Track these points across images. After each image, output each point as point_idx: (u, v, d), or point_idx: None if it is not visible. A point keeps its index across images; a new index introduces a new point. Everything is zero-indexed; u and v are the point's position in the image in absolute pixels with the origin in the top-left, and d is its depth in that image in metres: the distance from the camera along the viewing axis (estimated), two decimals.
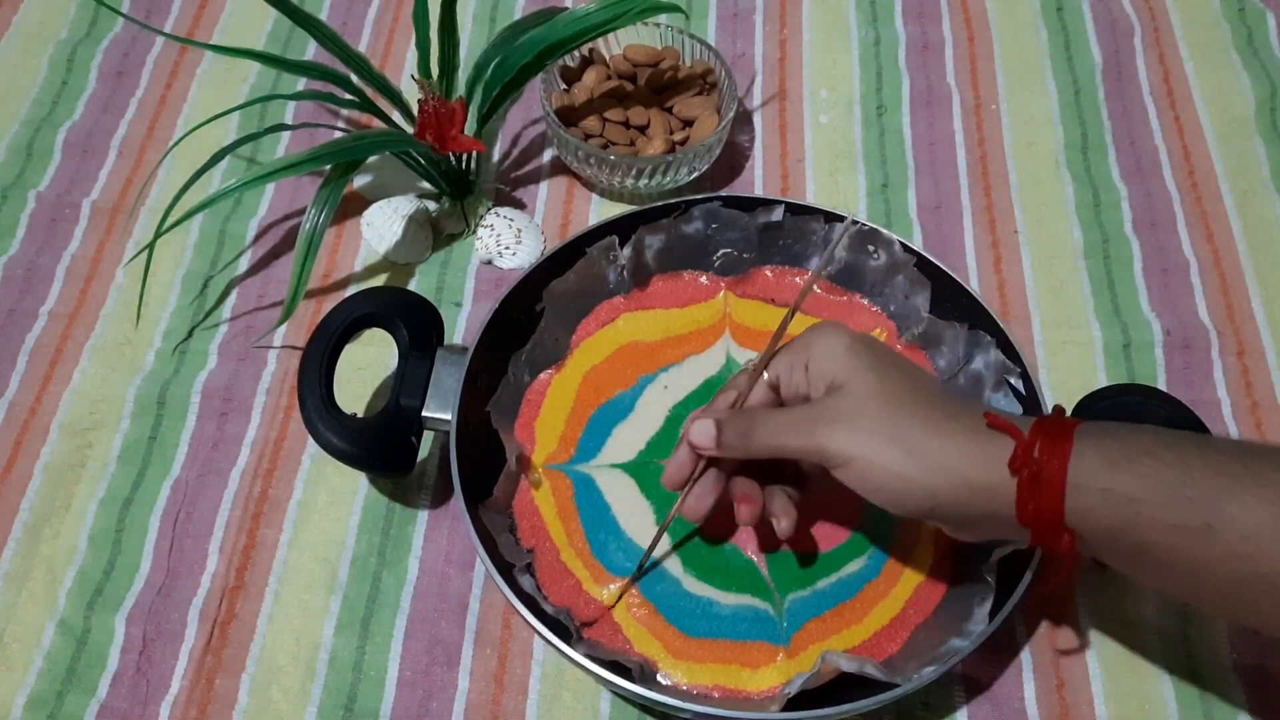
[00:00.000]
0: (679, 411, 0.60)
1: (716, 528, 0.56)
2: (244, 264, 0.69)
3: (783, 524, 0.50)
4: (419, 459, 0.58)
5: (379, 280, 0.68)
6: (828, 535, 0.56)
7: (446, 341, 0.60)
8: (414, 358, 0.57)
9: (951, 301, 0.60)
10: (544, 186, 0.73)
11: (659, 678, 0.52)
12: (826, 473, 0.46)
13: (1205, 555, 0.39)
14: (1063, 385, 0.63)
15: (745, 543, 0.55)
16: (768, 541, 0.55)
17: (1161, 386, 0.62)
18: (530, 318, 0.60)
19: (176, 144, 0.69)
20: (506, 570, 0.52)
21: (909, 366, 0.48)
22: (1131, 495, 0.40)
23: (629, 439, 0.59)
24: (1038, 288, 0.67)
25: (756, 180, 0.73)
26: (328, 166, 0.61)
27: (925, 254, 0.61)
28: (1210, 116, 0.74)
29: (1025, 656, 0.55)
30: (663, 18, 0.68)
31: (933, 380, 0.47)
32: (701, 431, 0.48)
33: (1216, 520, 0.39)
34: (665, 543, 0.56)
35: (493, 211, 0.69)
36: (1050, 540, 0.42)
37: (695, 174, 0.70)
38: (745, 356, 0.61)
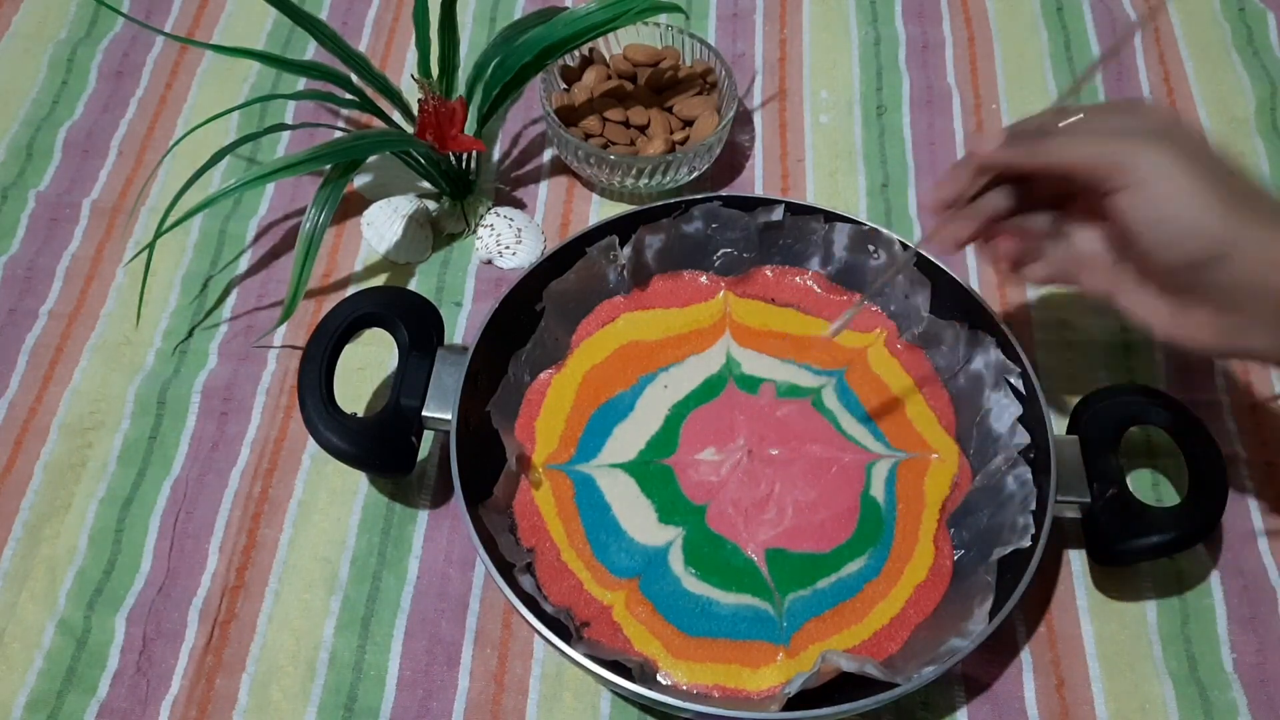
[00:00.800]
0: (679, 411, 0.60)
1: (719, 526, 0.56)
2: (244, 264, 0.69)
3: (1038, 270, 0.47)
4: (419, 459, 0.58)
5: (379, 280, 0.68)
6: (828, 535, 0.56)
7: (446, 341, 0.60)
8: (414, 358, 0.57)
9: (951, 301, 0.60)
10: (544, 186, 0.73)
11: (659, 677, 0.52)
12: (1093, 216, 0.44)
13: None
14: (1061, 386, 0.63)
15: (745, 542, 0.55)
16: (768, 540, 0.55)
17: (1161, 387, 0.62)
18: (530, 318, 0.60)
19: (176, 144, 0.69)
20: (506, 570, 0.52)
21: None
22: None
23: (629, 439, 0.59)
24: (1037, 287, 0.67)
25: (756, 180, 0.73)
26: (328, 166, 0.61)
27: (925, 254, 0.61)
28: (1210, 116, 0.74)
29: (1025, 656, 0.55)
30: (663, 18, 0.68)
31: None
32: (987, 137, 0.45)
33: None
34: (666, 540, 0.56)
35: (493, 211, 0.69)
36: None
37: (695, 174, 0.70)
38: (745, 356, 0.61)
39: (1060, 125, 0.45)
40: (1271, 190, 0.43)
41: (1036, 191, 0.47)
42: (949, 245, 0.48)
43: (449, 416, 0.56)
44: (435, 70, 0.66)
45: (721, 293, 0.64)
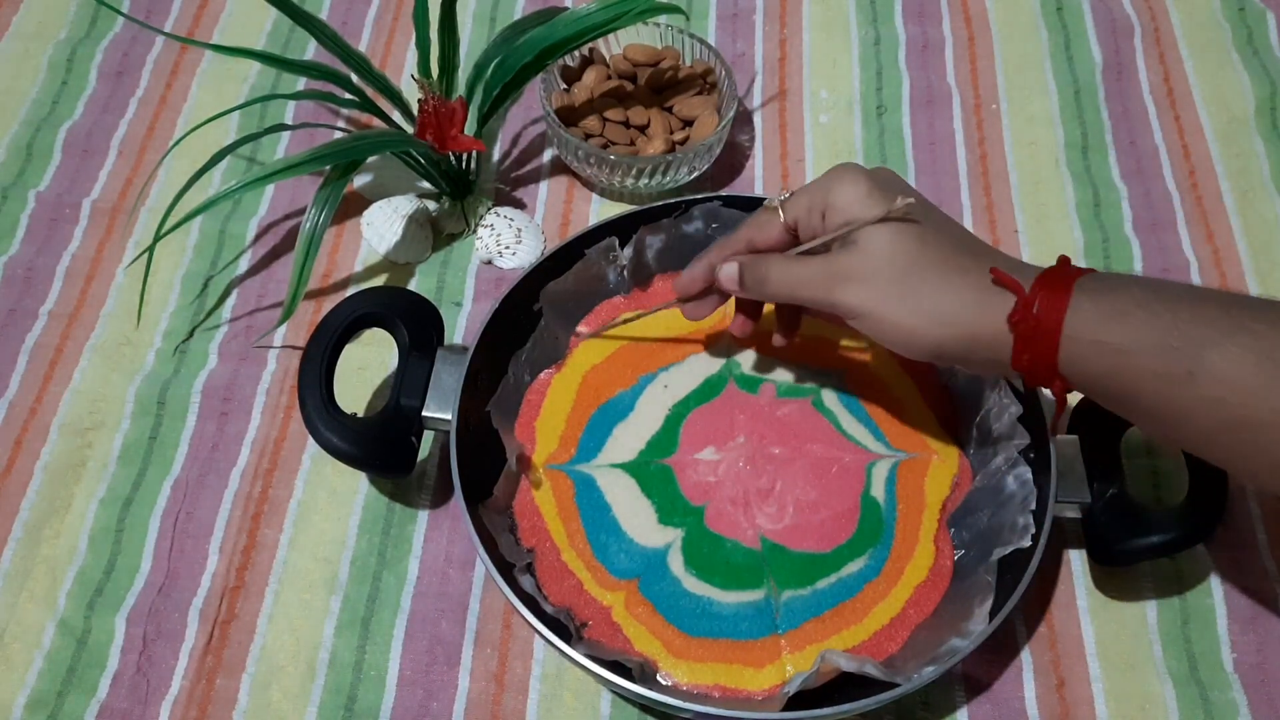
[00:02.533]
0: (679, 411, 0.59)
1: (717, 526, 0.56)
2: (244, 264, 0.69)
3: (776, 337, 0.56)
4: (419, 459, 0.58)
5: (379, 280, 0.68)
6: (828, 535, 0.56)
7: (446, 341, 0.60)
8: (414, 358, 0.57)
9: None
10: (544, 186, 0.73)
11: (659, 677, 0.52)
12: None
13: (1186, 400, 0.42)
14: None
15: (744, 532, 0.55)
16: (768, 531, 0.55)
17: None
18: (530, 318, 0.60)
19: (176, 144, 0.69)
20: (507, 570, 0.52)
21: (932, 221, 0.48)
22: (1121, 346, 0.43)
23: (629, 439, 0.59)
24: None
25: (756, 180, 0.73)
26: (328, 167, 0.61)
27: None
28: (1210, 116, 0.74)
29: (1025, 656, 0.55)
30: (663, 18, 0.68)
31: (946, 229, 0.48)
32: (728, 274, 0.52)
33: (1197, 368, 0.41)
34: (666, 541, 0.56)
35: (493, 211, 0.69)
36: (1042, 384, 0.46)
37: (695, 174, 0.70)
38: (745, 356, 0.61)
39: (775, 218, 0.51)
40: (965, 240, 0.48)
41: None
42: (694, 317, 0.57)
43: (449, 416, 0.56)
44: (435, 70, 0.66)
45: None
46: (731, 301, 0.62)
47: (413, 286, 0.68)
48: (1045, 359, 0.44)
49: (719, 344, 0.62)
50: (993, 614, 0.50)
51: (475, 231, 0.69)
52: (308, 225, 0.61)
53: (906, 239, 0.47)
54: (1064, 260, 0.46)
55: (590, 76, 0.71)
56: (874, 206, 0.47)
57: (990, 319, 0.45)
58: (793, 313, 0.56)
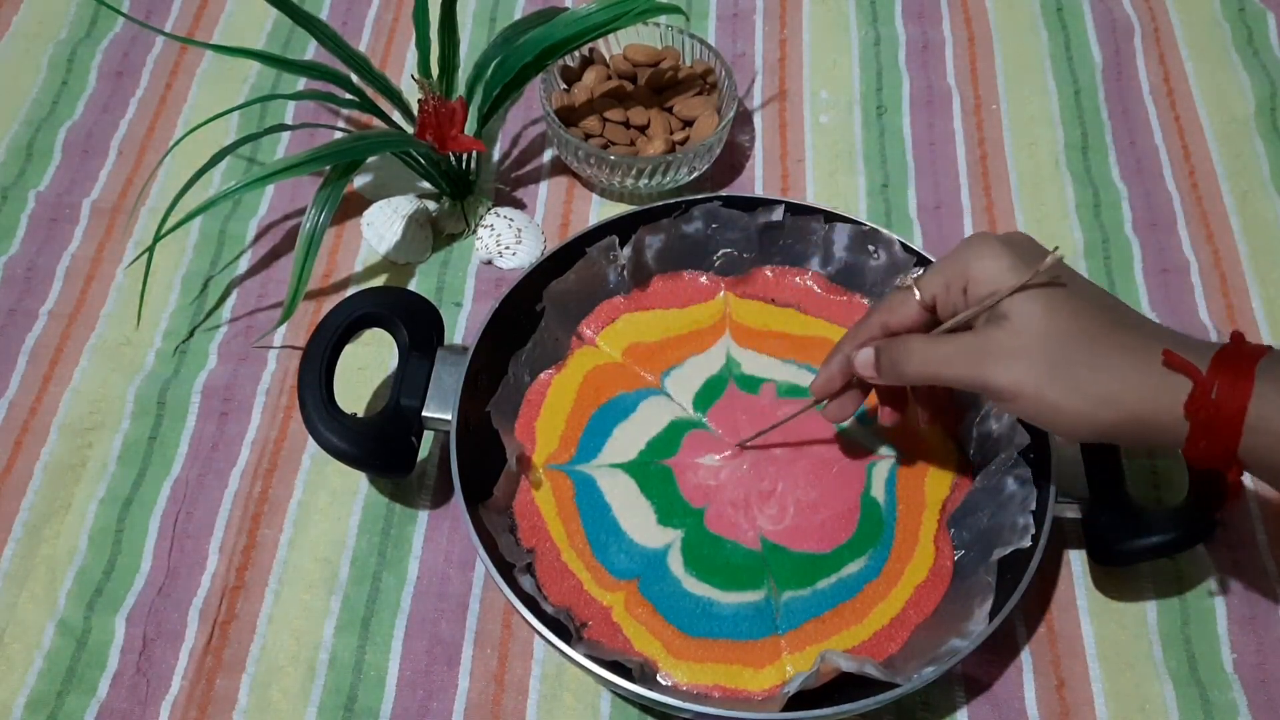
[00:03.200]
0: (686, 423, 0.59)
1: (717, 527, 0.56)
2: (244, 264, 0.69)
3: (921, 415, 0.53)
4: (419, 459, 0.58)
5: (379, 280, 0.68)
6: (828, 536, 0.56)
7: (446, 341, 0.60)
8: (414, 358, 0.57)
9: None
10: (544, 186, 0.73)
11: (659, 678, 0.52)
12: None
13: None
14: None
15: (744, 533, 0.55)
16: (769, 532, 0.55)
17: None
18: (530, 318, 0.60)
19: (176, 144, 0.69)
20: (506, 570, 0.52)
21: (1078, 288, 0.45)
22: None
23: (629, 439, 0.59)
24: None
25: (756, 180, 0.73)
26: (328, 167, 0.61)
27: (925, 254, 0.61)
28: (1210, 116, 0.74)
29: (1025, 656, 0.55)
30: (663, 18, 0.68)
31: (1101, 300, 0.45)
32: (865, 359, 0.49)
33: None
34: (666, 542, 0.56)
35: (493, 211, 0.69)
36: (1218, 469, 0.42)
37: (695, 174, 0.70)
38: (746, 356, 0.61)
39: (912, 295, 0.48)
40: (1126, 315, 0.45)
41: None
42: (837, 419, 0.53)
43: (449, 417, 0.56)
44: (435, 70, 0.66)
45: (721, 293, 0.64)
46: (725, 302, 0.62)
47: (413, 286, 0.68)
48: (1225, 448, 0.41)
49: (719, 344, 0.62)
50: (993, 614, 0.50)
51: (475, 231, 0.69)
52: (308, 225, 0.61)
53: (1061, 312, 0.43)
54: (1238, 337, 0.43)
55: (590, 76, 0.71)
56: (1019, 277, 0.44)
57: (1161, 404, 0.42)
58: (933, 394, 0.53)
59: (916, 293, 0.48)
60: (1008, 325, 0.44)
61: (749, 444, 0.57)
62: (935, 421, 0.54)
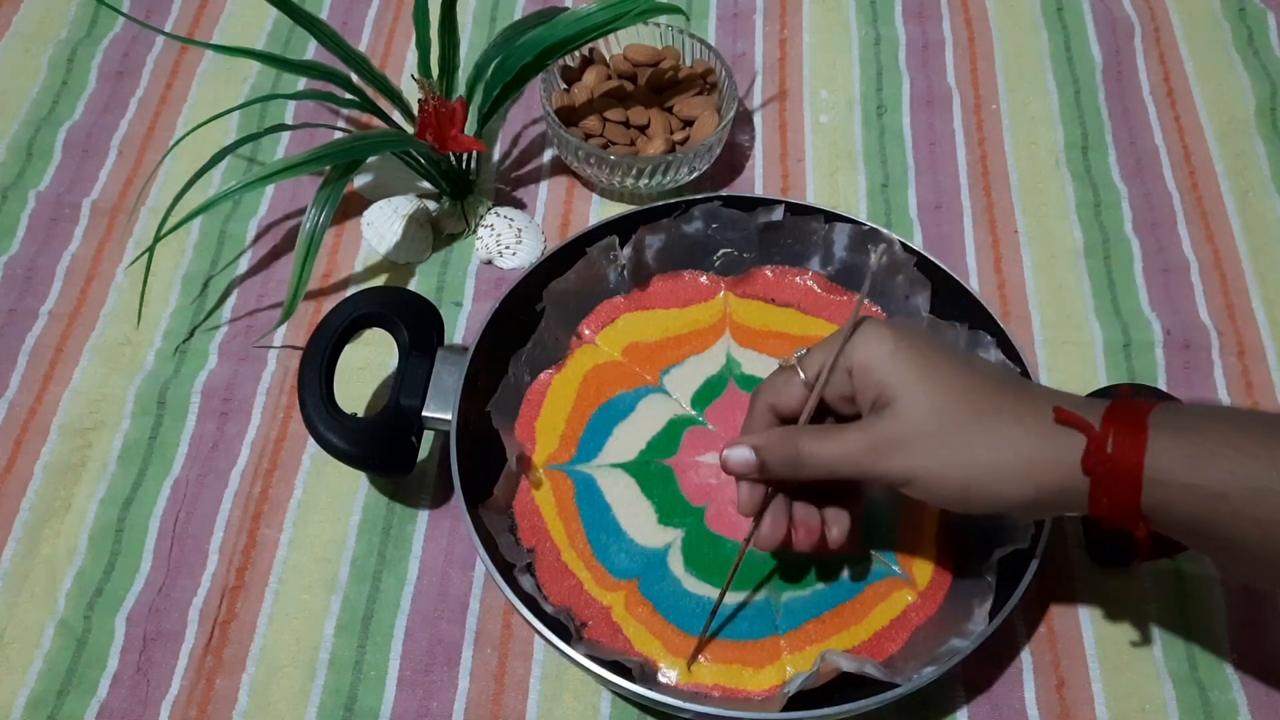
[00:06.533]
0: (684, 420, 0.59)
1: (718, 526, 0.56)
2: (244, 264, 0.69)
3: (833, 532, 0.49)
4: (419, 459, 0.58)
5: (379, 280, 0.68)
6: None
7: (446, 341, 0.60)
8: (414, 358, 0.57)
9: (951, 301, 0.60)
10: (544, 186, 0.73)
11: (659, 677, 0.52)
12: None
13: None
14: (1063, 385, 0.63)
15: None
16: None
17: (1162, 386, 0.62)
18: (530, 318, 0.60)
19: (176, 144, 0.69)
20: (507, 570, 0.52)
21: (960, 363, 0.45)
22: (1213, 490, 0.39)
23: (630, 439, 0.59)
24: (1038, 288, 0.67)
25: (756, 180, 0.73)
26: (328, 167, 0.61)
27: (925, 254, 0.61)
28: (1210, 116, 0.74)
29: (1025, 656, 0.55)
30: (663, 18, 0.68)
31: (987, 372, 0.45)
32: (740, 459, 0.47)
33: None
34: (666, 541, 0.56)
35: (493, 211, 0.69)
36: (1125, 526, 0.42)
37: (695, 174, 0.70)
38: (746, 356, 0.61)
39: (793, 375, 0.47)
40: (1009, 382, 0.45)
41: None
42: (768, 545, 0.49)
43: (449, 416, 0.56)
44: (435, 70, 0.66)
45: (722, 293, 0.64)
46: (725, 301, 0.62)
47: (413, 286, 0.68)
48: (1127, 502, 0.41)
49: (719, 344, 0.62)
50: (993, 614, 0.50)
51: (475, 231, 0.69)
52: (308, 225, 0.61)
53: (946, 391, 0.43)
54: (1125, 390, 0.43)
55: (590, 76, 0.71)
56: (902, 366, 0.44)
57: (1058, 465, 0.41)
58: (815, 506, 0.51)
59: (800, 373, 0.47)
60: (893, 413, 0.44)
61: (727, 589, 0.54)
62: (814, 545, 0.50)
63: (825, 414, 0.49)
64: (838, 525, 0.49)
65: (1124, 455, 0.40)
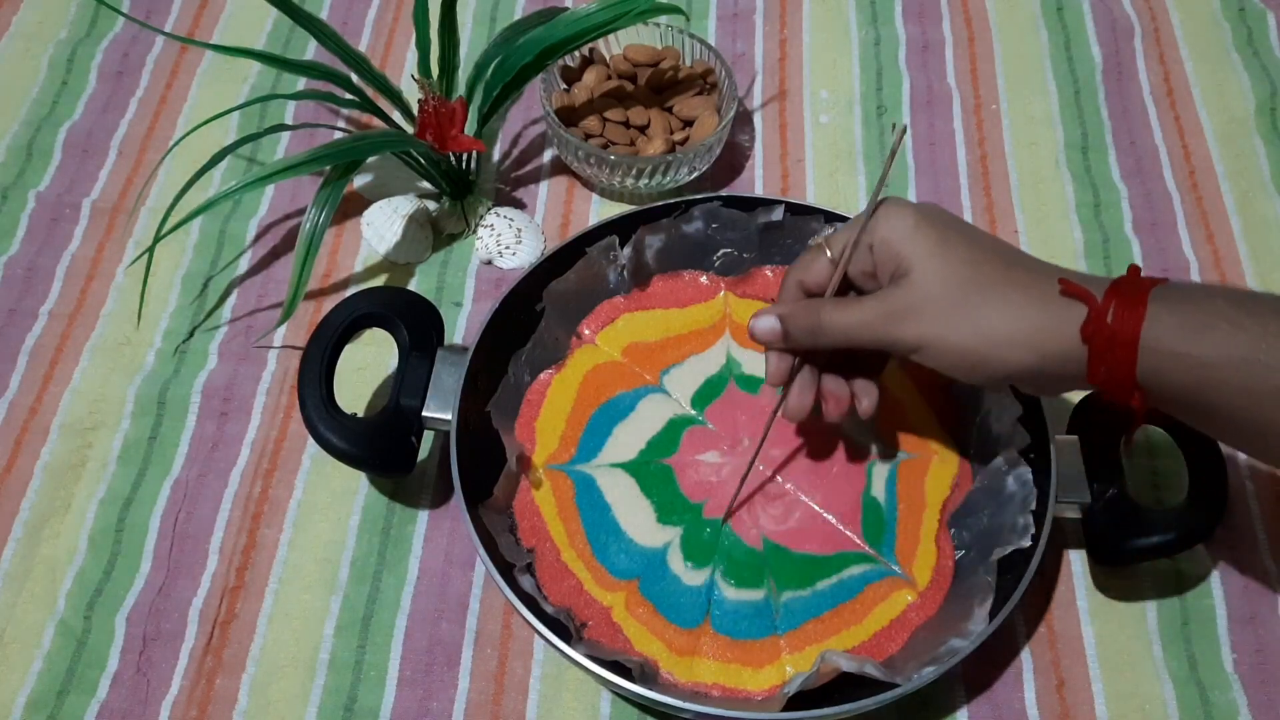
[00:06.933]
0: (685, 420, 0.59)
1: (719, 514, 0.56)
2: (244, 264, 0.69)
3: (864, 403, 0.51)
4: (419, 459, 0.58)
5: (379, 280, 0.68)
6: (830, 538, 0.56)
7: (446, 341, 0.60)
8: (414, 358, 0.57)
9: None
10: (544, 186, 0.73)
11: (659, 677, 0.52)
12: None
13: (1274, 416, 0.41)
14: None
15: (746, 529, 0.55)
16: (771, 532, 0.55)
17: None
18: (530, 318, 0.60)
19: (176, 144, 0.69)
20: (507, 570, 0.52)
21: (976, 238, 0.47)
22: (1205, 360, 0.41)
23: (630, 439, 0.59)
24: None
25: (756, 180, 0.73)
26: (328, 167, 0.61)
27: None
28: (1210, 116, 0.74)
29: (1025, 656, 0.55)
30: (663, 18, 0.68)
31: (1000, 247, 0.47)
32: (766, 327, 0.50)
33: None
34: (666, 540, 0.56)
35: (493, 211, 0.69)
36: (1121, 398, 0.43)
37: (695, 174, 0.70)
38: (746, 356, 0.61)
39: (821, 254, 0.50)
40: (1023, 256, 0.47)
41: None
42: (795, 415, 0.52)
43: (449, 416, 0.56)
44: (435, 70, 0.66)
45: (722, 293, 0.64)
46: (725, 301, 0.62)
47: (413, 286, 0.68)
48: (1123, 371, 0.42)
49: (719, 344, 0.62)
50: (993, 614, 0.50)
51: (475, 231, 0.69)
52: (308, 225, 0.61)
53: (959, 263, 0.45)
54: (1135, 269, 0.44)
55: (590, 76, 0.71)
56: (920, 239, 0.46)
57: (1060, 333, 0.43)
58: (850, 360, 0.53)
59: (827, 251, 0.50)
60: (910, 284, 0.46)
61: (734, 509, 0.56)
62: (844, 415, 0.52)
63: (850, 290, 0.51)
64: (868, 396, 0.51)
65: (1123, 326, 0.42)
